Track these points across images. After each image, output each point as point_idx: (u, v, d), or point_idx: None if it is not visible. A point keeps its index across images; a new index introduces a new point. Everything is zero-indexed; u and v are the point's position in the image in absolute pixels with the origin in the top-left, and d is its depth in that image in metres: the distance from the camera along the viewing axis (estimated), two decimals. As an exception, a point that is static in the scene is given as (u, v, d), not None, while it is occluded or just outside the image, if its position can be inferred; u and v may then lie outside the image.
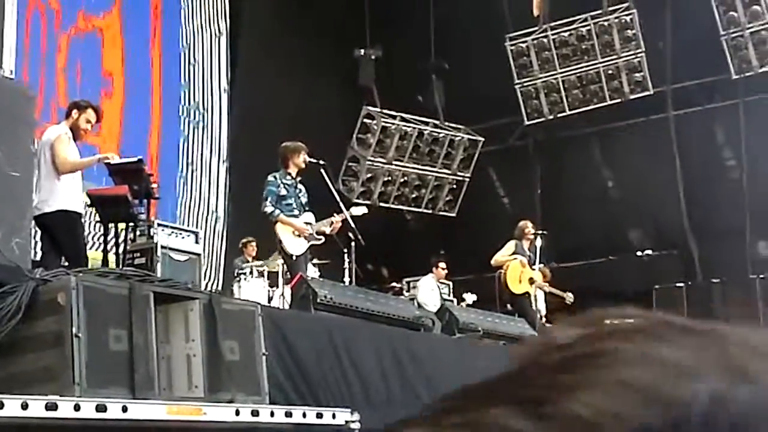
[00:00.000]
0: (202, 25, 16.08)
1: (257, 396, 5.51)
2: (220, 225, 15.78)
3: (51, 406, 4.24)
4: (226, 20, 16.43)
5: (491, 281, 13.27)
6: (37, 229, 7.62)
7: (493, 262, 12.51)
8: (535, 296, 12.46)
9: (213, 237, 15.56)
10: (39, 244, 7.88)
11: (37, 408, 4.19)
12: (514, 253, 12.46)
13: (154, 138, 15.04)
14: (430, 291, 13.33)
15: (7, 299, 4.58)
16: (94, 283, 4.79)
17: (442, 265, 13.91)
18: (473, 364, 8.12)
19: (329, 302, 7.47)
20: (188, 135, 15.54)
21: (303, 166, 9.70)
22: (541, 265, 12.85)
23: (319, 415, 5.74)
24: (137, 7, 14.96)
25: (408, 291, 13.90)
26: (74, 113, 8.19)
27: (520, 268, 12.40)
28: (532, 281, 12.40)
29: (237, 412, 5.22)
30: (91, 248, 10.58)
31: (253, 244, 12.46)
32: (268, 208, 9.43)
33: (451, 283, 14.72)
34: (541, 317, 13.23)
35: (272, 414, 5.41)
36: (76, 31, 13.78)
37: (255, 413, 5.30)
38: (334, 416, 5.84)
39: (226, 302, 5.61)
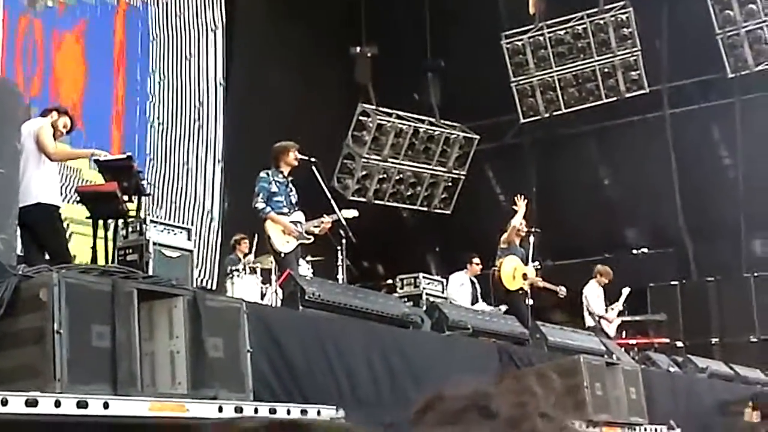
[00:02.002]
0: (193, 23, 16.01)
1: (241, 393, 5.50)
2: (214, 222, 15.78)
3: (31, 402, 4.25)
4: (221, 17, 16.39)
5: (486, 278, 13.28)
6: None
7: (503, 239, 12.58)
8: (528, 293, 12.46)
9: (208, 234, 15.57)
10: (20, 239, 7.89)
11: (17, 404, 4.19)
12: (510, 254, 12.51)
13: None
14: (459, 286, 13.26)
15: (-12, 296, 4.59)
16: (76, 280, 4.78)
17: (476, 261, 13.40)
18: (462, 362, 8.13)
19: (317, 299, 7.46)
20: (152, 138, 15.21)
21: (295, 163, 9.72)
22: (536, 264, 12.90)
23: (304, 412, 5.74)
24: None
25: (402, 288, 13.86)
26: (54, 114, 8.34)
27: (513, 264, 12.44)
28: (525, 277, 12.45)
29: (220, 409, 5.21)
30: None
31: (246, 241, 12.43)
32: (260, 204, 9.48)
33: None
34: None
35: (256, 410, 5.41)
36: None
37: (239, 410, 5.30)
38: (318, 413, 5.84)
39: (210, 299, 5.59)
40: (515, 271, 12.43)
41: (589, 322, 13.78)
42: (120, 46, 14.91)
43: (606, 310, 13.95)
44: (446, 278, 14.30)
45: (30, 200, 7.63)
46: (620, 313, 14.32)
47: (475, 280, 13.51)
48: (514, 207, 12.87)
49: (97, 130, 13.96)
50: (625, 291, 14.26)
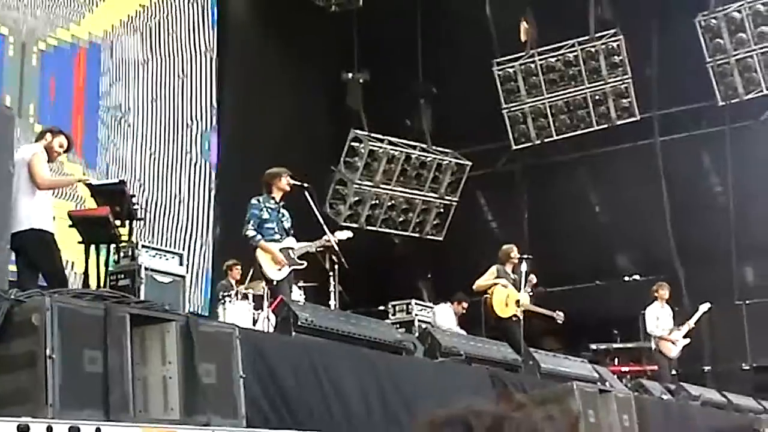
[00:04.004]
0: (165, 65, 15.95)
1: (234, 419, 5.47)
2: (207, 247, 15.75)
3: (23, 428, 4.20)
4: (212, 44, 16.40)
5: (478, 305, 13.24)
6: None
7: (475, 287, 12.49)
8: (521, 319, 12.35)
9: (201, 259, 15.54)
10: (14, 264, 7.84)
11: (8, 430, 4.15)
12: (497, 278, 12.42)
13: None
14: (446, 316, 13.42)
15: (-21, 320, 4.55)
16: (69, 304, 4.76)
17: (465, 305, 13.83)
18: (455, 389, 8.09)
19: (310, 325, 7.45)
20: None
21: (287, 189, 9.69)
22: (529, 290, 12.80)
23: (297, 439, 5.71)
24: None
25: (394, 314, 13.85)
26: (48, 136, 8.35)
27: (505, 291, 12.32)
28: (518, 303, 12.32)
29: (213, 435, 5.18)
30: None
31: (238, 267, 12.43)
32: (250, 232, 9.44)
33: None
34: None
35: (248, 437, 5.39)
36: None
37: (231, 436, 5.27)
38: (311, 440, 5.82)
39: (203, 324, 5.57)
40: (508, 298, 12.32)
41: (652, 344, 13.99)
42: (80, 82, 14.85)
43: (671, 331, 13.95)
44: (435, 304, 14.34)
45: (22, 226, 7.60)
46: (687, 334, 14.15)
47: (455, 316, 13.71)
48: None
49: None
50: (703, 307, 14.18)
